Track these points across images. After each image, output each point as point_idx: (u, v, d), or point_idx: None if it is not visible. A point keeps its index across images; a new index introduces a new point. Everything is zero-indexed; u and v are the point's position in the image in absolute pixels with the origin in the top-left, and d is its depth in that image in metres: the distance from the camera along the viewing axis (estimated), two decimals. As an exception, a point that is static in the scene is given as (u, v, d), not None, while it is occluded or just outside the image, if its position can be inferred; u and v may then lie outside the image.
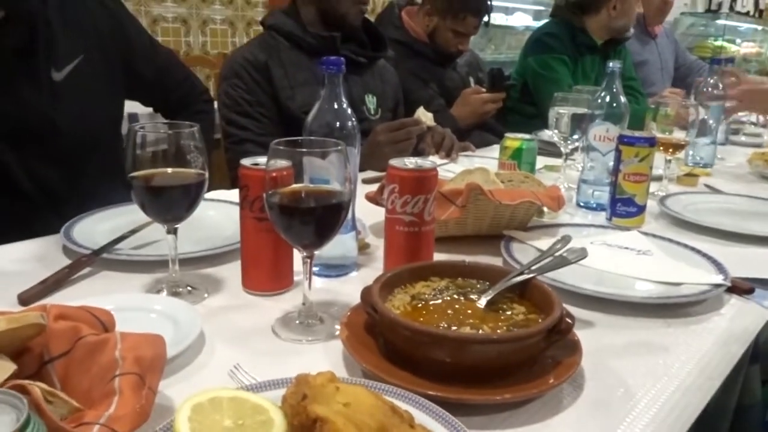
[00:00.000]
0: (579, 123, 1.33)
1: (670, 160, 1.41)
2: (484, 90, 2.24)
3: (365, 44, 1.81)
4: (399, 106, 2.00)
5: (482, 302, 0.69)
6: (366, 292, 0.69)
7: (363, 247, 1.00)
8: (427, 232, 0.84)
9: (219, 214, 1.09)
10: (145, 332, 0.57)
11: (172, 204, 0.79)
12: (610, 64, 1.28)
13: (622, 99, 1.29)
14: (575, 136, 1.34)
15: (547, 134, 1.55)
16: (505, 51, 4.48)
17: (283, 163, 0.71)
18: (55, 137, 1.22)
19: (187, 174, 0.79)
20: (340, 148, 0.70)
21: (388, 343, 0.65)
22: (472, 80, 2.42)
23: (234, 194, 1.18)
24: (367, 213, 1.06)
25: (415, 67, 2.22)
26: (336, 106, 0.84)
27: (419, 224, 0.83)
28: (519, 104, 2.61)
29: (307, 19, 1.72)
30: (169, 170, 0.79)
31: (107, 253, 0.91)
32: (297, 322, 0.75)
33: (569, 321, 0.64)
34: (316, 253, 0.81)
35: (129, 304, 0.74)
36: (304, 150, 0.71)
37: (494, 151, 1.57)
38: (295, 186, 0.71)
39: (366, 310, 0.68)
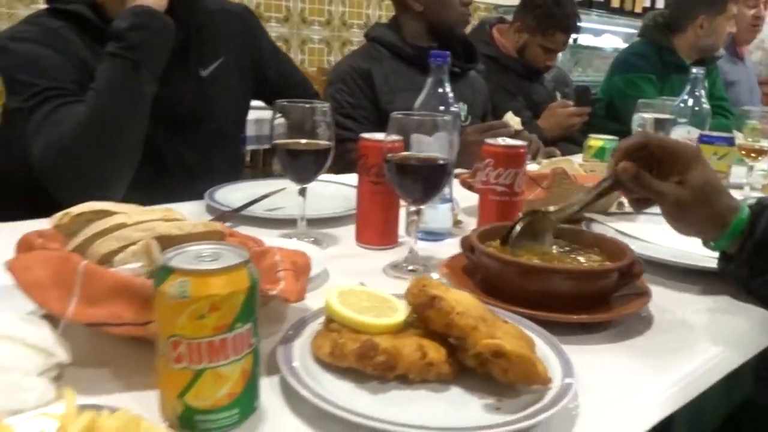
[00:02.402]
0: (662, 126, 1.42)
1: (752, 167, 1.47)
2: (570, 104, 2.34)
3: (459, 56, 1.97)
4: (487, 115, 2.13)
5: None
6: (465, 239, 0.82)
7: (456, 223, 1.14)
8: (516, 202, 0.97)
9: (332, 191, 1.27)
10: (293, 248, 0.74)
11: (305, 166, 0.96)
12: (694, 70, 1.37)
13: (705, 104, 1.37)
14: (657, 139, 1.43)
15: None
16: (591, 73, 4.52)
17: (397, 137, 0.87)
18: (197, 124, 1.44)
19: (317, 143, 0.96)
20: (446, 124, 0.85)
21: (483, 278, 0.78)
22: (558, 95, 2.52)
23: (342, 178, 1.37)
24: (460, 198, 1.20)
25: (504, 80, 2.36)
26: (441, 91, 0.99)
27: (509, 194, 0.96)
28: (603, 121, 2.67)
29: (409, 32, 1.90)
30: (303, 141, 0.97)
31: (244, 212, 1.09)
32: (404, 265, 0.90)
33: (639, 267, 0.75)
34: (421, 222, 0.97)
35: (269, 244, 0.91)
36: (417, 118, 0.86)
37: (578, 159, 1.67)
38: (408, 153, 0.86)
39: (465, 254, 0.82)
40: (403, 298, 0.63)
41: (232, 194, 1.22)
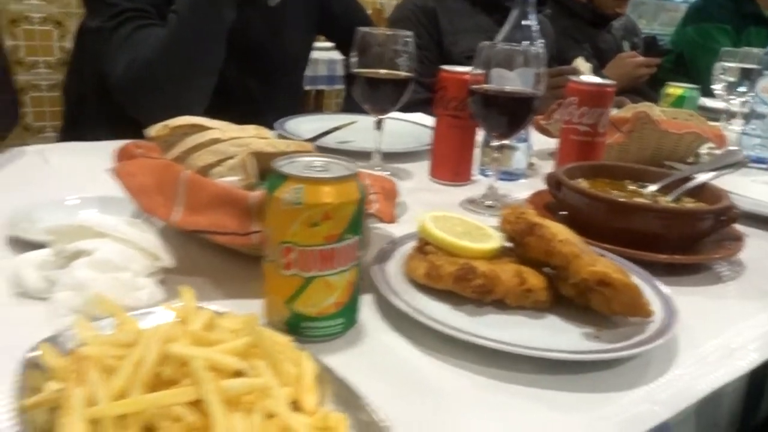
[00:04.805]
0: (747, 77, 1.35)
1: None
2: (639, 54, 2.24)
3: (527, -2, 1.89)
4: (552, 61, 2.06)
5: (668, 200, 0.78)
6: (551, 175, 0.81)
7: (528, 165, 1.12)
8: (598, 143, 0.94)
9: (399, 128, 1.25)
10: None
11: (383, 96, 0.95)
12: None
13: (798, 54, 1.29)
14: (741, 89, 1.36)
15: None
16: (657, 27, 4.31)
17: (478, 70, 0.85)
18: (262, 55, 1.43)
19: (397, 73, 0.94)
20: (535, 58, 0.82)
21: (569, 216, 0.76)
22: (626, 44, 2.42)
23: (410, 117, 1.35)
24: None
25: (569, 26, 2.27)
26: (525, 24, 0.96)
27: (593, 134, 0.93)
28: (672, 75, 2.55)
29: (476, -29, 1.83)
30: (383, 71, 0.95)
31: (316, 143, 1.09)
32: (481, 200, 0.89)
33: (735, 212, 0.73)
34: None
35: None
36: (507, 49, 0.83)
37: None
38: (494, 85, 0.84)
39: (550, 191, 0.80)
40: (494, 228, 0.63)
41: (302, 125, 1.22)
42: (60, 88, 3.26)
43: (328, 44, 1.88)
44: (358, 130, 1.18)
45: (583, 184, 0.80)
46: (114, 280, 0.51)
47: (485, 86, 0.82)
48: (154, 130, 0.66)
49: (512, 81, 0.85)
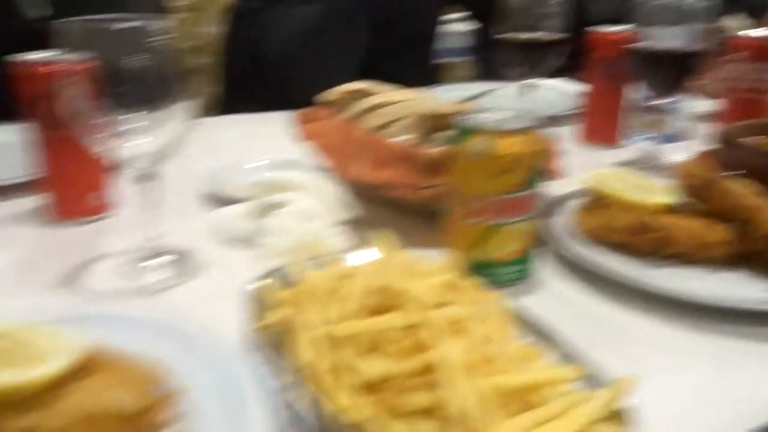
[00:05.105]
0: None
1: None
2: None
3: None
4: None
5: None
6: (723, 134, 0.77)
7: (682, 127, 1.07)
8: (766, 100, 0.89)
9: (538, 94, 1.24)
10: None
11: (531, 60, 0.95)
12: None
13: None
14: None
15: None
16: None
17: (636, 29, 0.83)
18: (396, 32, 1.47)
19: (544, 36, 0.94)
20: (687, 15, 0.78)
21: (745, 175, 0.73)
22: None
23: (548, 82, 1.32)
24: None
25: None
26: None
27: (761, 91, 0.88)
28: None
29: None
30: (529, 35, 0.95)
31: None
32: (638, 162, 0.87)
33: None
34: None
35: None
36: (668, 4, 0.80)
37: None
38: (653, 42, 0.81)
39: (721, 150, 0.76)
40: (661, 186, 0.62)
41: (443, 95, 1.25)
42: (201, 71, 3.49)
43: (450, 17, 1.87)
44: (498, 97, 1.18)
45: (760, 141, 0.76)
46: (309, 228, 0.56)
47: (646, 44, 0.80)
48: (328, 95, 0.71)
49: (670, 38, 0.82)
